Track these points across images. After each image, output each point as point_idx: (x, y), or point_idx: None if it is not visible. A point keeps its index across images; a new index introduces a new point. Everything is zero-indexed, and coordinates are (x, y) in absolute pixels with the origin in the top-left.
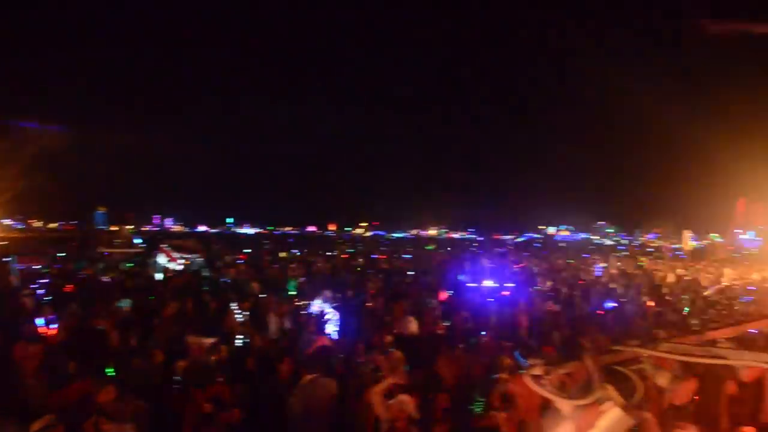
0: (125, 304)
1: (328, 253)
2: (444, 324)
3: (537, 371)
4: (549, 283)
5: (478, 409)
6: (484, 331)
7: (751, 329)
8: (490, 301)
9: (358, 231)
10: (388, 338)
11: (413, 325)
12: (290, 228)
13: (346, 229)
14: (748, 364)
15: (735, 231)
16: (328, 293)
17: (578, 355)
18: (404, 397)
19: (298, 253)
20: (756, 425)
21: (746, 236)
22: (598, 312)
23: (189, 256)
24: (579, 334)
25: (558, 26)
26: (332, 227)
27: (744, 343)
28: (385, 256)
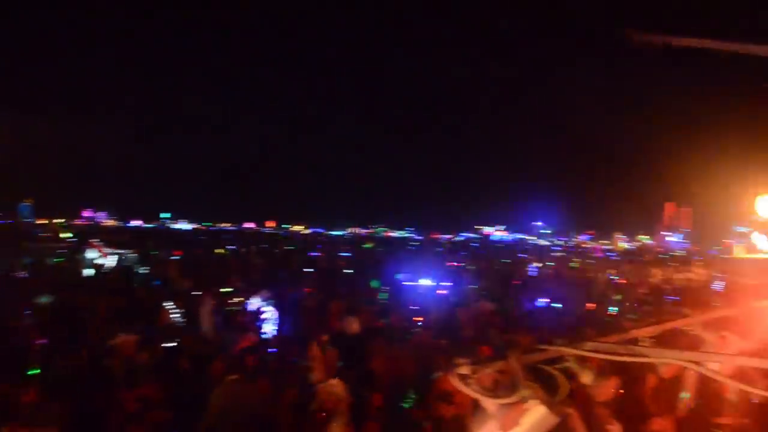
0: (46, 300)
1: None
2: (381, 322)
3: (463, 370)
4: (484, 282)
5: (408, 406)
6: (420, 328)
7: (671, 327)
8: (427, 299)
9: (297, 228)
10: (325, 336)
11: (355, 325)
12: (227, 224)
13: (284, 226)
14: (668, 361)
15: (663, 233)
16: (265, 291)
17: (505, 354)
18: (334, 381)
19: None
20: (673, 418)
21: (673, 238)
22: (532, 310)
23: (121, 251)
24: (513, 332)
25: (497, 32)
26: (270, 224)
27: (664, 340)
28: (323, 254)
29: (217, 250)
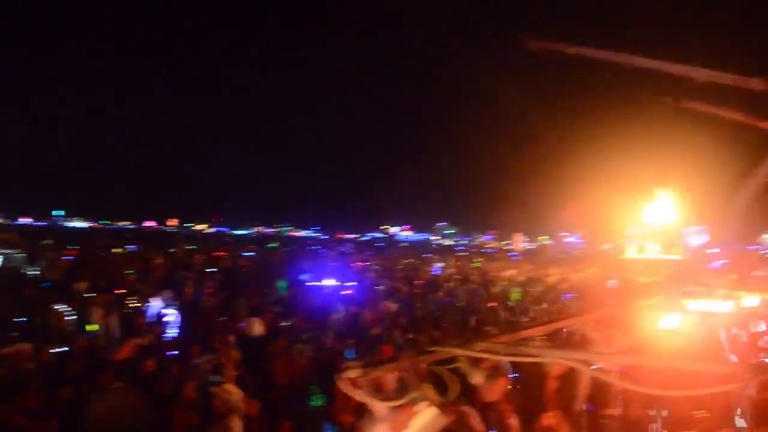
0: None
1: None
2: (284, 323)
3: (353, 374)
4: (389, 282)
5: (317, 404)
6: (324, 330)
7: (562, 326)
8: (331, 299)
9: (200, 227)
10: (231, 338)
11: (258, 327)
12: (127, 222)
13: (186, 225)
14: (554, 360)
15: (562, 234)
16: (166, 292)
17: (396, 356)
18: (229, 387)
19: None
20: (569, 412)
21: (572, 239)
22: (435, 310)
23: (7, 251)
24: (417, 332)
25: (394, 33)
26: (172, 222)
27: (554, 340)
28: (224, 254)
29: (114, 250)
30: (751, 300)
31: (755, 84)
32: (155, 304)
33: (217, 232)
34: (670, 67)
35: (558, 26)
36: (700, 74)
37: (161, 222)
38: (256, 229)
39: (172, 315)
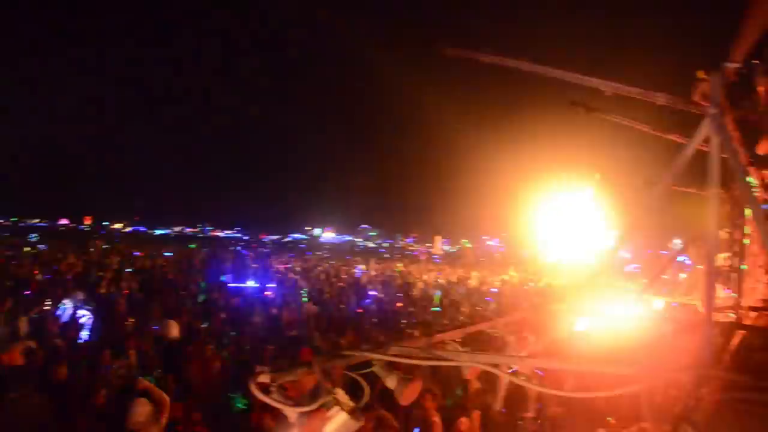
0: None
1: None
2: (202, 325)
3: (264, 379)
4: (310, 285)
5: (238, 408)
6: (244, 332)
7: (478, 330)
8: (252, 301)
9: (117, 226)
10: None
11: (174, 330)
12: (38, 220)
13: (103, 223)
14: (469, 364)
15: (483, 237)
16: (80, 294)
17: (312, 360)
18: (141, 400)
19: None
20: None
21: (492, 243)
22: (356, 312)
23: None
24: (335, 335)
25: (313, 37)
26: (88, 221)
27: (471, 343)
28: (142, 253)
29: (26, 249)
30: (661, 303)
31: (658, 98)
32: (67, 306)
33: (135, 231)
34: (582, 80)
35: (477, 37)
36: (609, 87)
37: (76, 220)
38: (175, 229)
39: (85, 317)
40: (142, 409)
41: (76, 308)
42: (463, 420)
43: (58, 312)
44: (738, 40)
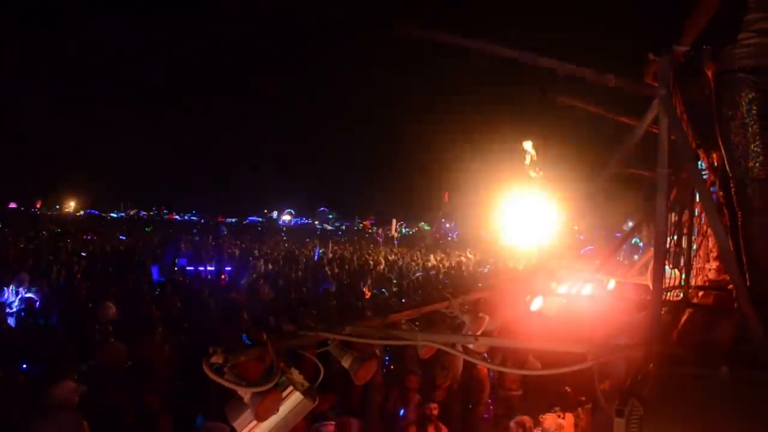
0: None
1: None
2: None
3: (217, 359)
4: (267, 267)
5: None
6: (200, 315)
7: (432, 310)
8: (209, 284)
9: (69, 209)
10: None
11: (111, 311)
12: None
13: (55, 207)
14: (423, 343)
15: (441, 220)
16: (24, 276)
17: (265, 340)
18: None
19: None
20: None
21: (449, 225)
22: (313, 294)
23: None
24: (292, 316)
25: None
26: (38, 204)
27: (423, 323)
28: (95, 237)
29: None
30: (613, 283)
31: (609, 80)
32: (12, 290)
33: (88, 214)
34: (535, 59)
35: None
36: (562, 68)
37: (25, 203)
38: (129, 212)
39: (32, 301)
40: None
41: (21, 292)
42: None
43: (4, 297)
44: (687, 22)
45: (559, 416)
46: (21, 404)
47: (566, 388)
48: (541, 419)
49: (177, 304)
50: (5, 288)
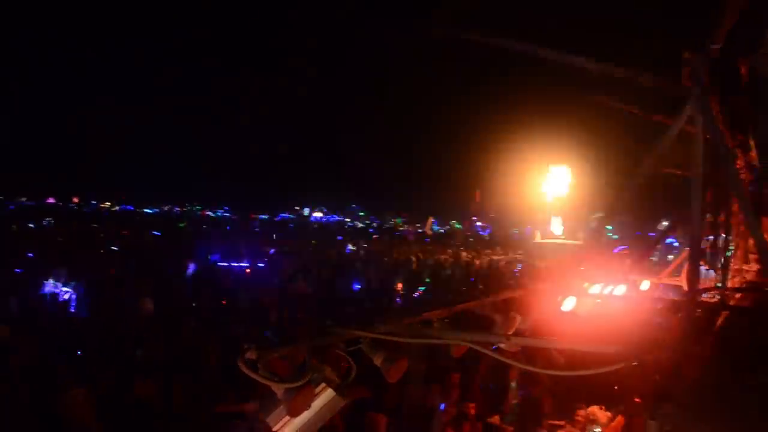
0: None
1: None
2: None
3: (251, 355)
4: (299, 263)
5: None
6: (233, 311)
7: (464, 309)
8: (241, 280)
9: (105, 205)
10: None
11: (149, 305)
12: (25, 199)
13: (91, 202)
14: (452, 342)
15: (472, 219)
16: (62, 271)
17: (299, 337)
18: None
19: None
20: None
21: (481, 223)
22: (345, 291)
23: None
24: (324, 313)
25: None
26: (75, 200)
27: (454, 322)
28: (130, 232)
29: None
30: (647, 283)
31: (645, 79)
32: (52, 283)
33: (123, 209)
34: (570, 59)
35: (466, 15)
36: (597, 67)
37: (63, 198)
38: (164, 208)
39: (67, 294)
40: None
41: (60, 286)
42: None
43: (45, 290)
44: (721, 20)
45: (607, 414)
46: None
47: (614, 387)
48: (590, 414)
49: (209, 299)
50: (45, 282)
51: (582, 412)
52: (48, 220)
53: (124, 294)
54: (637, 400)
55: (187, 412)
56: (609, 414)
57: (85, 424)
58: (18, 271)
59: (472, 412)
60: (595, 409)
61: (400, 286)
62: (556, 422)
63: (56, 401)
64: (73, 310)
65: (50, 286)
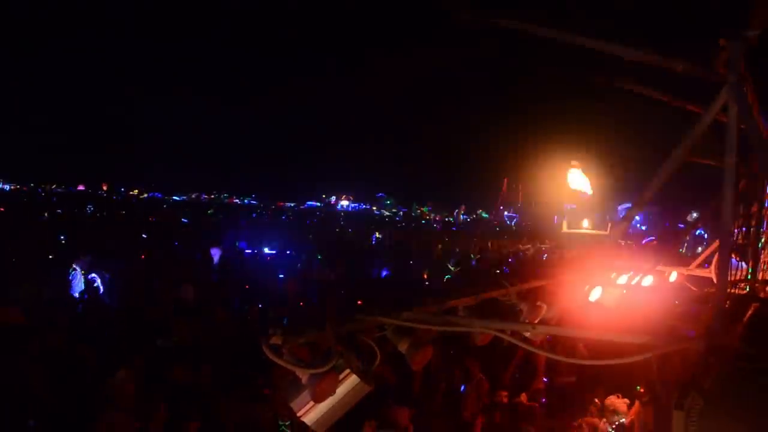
0: None
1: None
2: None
3: (276, 340)
4: (326, 251)
5: None
6: (259, 297)
7: (490, 297)
8: (269, 268)
9: (133, 192)
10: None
11: (190, 292)
12: (55, 186)
13: (120, 189)
14: (480, 330)
15: (499, 208)
16: (87, 258)
17: (323, 323)
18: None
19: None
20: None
21: (509, 213)
22: (370, 279)
23: None
24: (350, 300)
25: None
26: (104, 187)
27: (479, 310)
28: (159, 219)
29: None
30: (676, 274)
31: (677, 65)
32: (79, 269)
33: (152, 197)
34: (602, 45)
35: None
36: (629, 53)
37: (92, 186)
38: (191, 196)
39: (97, 281)
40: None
41: (88, 273)
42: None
43: (71, 277)
44: (758, 7)
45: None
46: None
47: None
48: (609, 405)
49: (236, 285)
50: (72, 269)
51: (599, 401)
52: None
53: (154, 281)
54: (641, 388)
55: (217, 395)
56: (626, 401)
57: (127, 405)
58: (48, 257)
59: (504, 401)
60: (613, 399)
61: (425, 274)
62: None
63: (102, 382)
64: (102, 296)
65: (78, 273)
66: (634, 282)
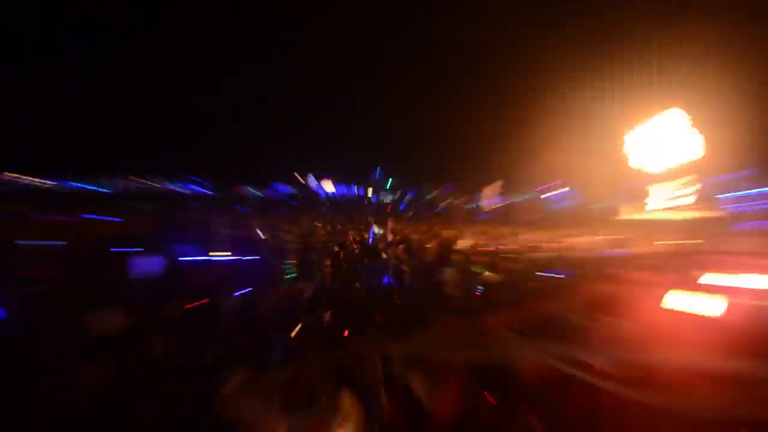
0: None
1: None
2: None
3: (240, 379)
4: (302, 255)
5: None
6: (212, 320)
7: (540, 311)
8: (224, 280)
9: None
10: None
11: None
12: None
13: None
14: (527, 359)
15: (542, 188)
16: None
17: (307, 354)
18: None
19: None
20: None
21: (555, 195)
22: (366, 291)
23: None
24: (337, 320)
25: None
26: None
27: (527, 330)
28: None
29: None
30: None
31: None
32: None
33: (58, 185)
34: None
35: None
36: None
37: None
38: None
39: None
40: None
41: None
42: None
43: None
44: None
45: None
46: None
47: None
48: None
49: (181, 306)
50: None
51: None
52: None
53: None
54: None
55: None
56: None
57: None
58: None
59: None
60: None
61: (444, 283)
62: None
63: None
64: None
65: None
66: (739, 283)
